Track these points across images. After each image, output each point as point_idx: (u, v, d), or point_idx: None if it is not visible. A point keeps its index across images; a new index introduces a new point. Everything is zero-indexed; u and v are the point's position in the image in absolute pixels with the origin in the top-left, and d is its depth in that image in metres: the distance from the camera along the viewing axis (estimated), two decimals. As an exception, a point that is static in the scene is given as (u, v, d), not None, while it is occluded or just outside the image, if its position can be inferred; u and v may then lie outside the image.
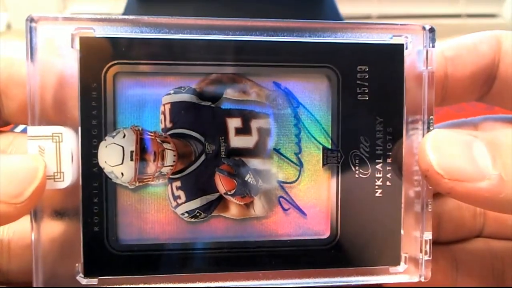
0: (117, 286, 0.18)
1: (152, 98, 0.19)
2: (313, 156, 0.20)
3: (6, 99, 0.20)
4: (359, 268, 0.20)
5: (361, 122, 0.20)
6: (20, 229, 0.20)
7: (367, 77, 0.20)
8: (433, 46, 0.20)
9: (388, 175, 0.20)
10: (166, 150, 0.19)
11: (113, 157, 0.18)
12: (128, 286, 0.18)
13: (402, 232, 0.20)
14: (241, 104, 0.20)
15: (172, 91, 0.19)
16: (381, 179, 0.20)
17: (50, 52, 0.18)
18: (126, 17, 0.18)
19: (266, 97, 0.20)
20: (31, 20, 0.19)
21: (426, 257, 0.20)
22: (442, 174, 0.17)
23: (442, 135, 0.18)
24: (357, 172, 0.20)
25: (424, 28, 0.20)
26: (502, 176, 0.16)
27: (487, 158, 0.17)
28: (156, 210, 0.19)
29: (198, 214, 0.19)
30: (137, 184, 0.18)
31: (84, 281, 0.17)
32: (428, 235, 0.20)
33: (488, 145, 0.17)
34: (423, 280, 0.20)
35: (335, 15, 0.53)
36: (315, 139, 0.20)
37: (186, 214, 0.19)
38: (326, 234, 0.20)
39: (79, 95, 0.18)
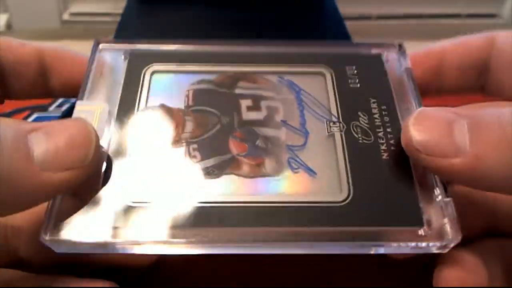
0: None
1: (179, 87, 0.23)
2: (317, 126, 0.22)
3: (12, 78, 0.22)
4: (378, 228, 0.19)
5: (357, 102, 0.23)
6: (29, 216, 0.20)
7: (356, 72, 0.24)
8: (404, 58, 0.24)
9: (392, 141, 0.21)
10: (186, 121, 0.22)
11: None
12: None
13: (418, 193, 0.20)
14: (251, 90, 0.23)
15: (195, 82, 0.23)
16: (385, 145, 0.22)
17: (105, 62, 0.24)
18: (160, 41, 0.25)
19: (272, 85, 0.24)
20: (97, 44, 0.24)
21: (452, 219, 0.19)
22: (419, 149, 0.18)
23: (426, 113, 0.19)
24: (360, 138, 0.22)
25: (394, 45, 0.25)
26: (476, 153, 0.16)
27: (466, 136, 0.17)
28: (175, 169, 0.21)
29: (211, 171, 0.21)
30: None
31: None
32: (448, 198, 0.19)
33: (469, 123, 0.17)
34: (453, 245, 0.19)
35: (335, 15, 0.53)
36: (318, 114, 0.22)
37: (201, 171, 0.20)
38: (337, 192, 0.21)
39: (123, 84, 0.22)
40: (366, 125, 0.22)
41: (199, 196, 0.20)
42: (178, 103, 0.23)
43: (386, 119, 0.22)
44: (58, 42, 0.77)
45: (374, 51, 0.25)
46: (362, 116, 0.22)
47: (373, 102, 0.23)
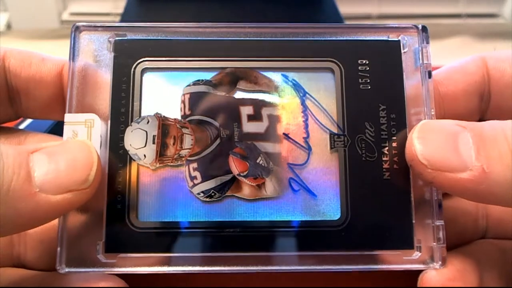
0: (131, 268, 0.18)
1: (174, 89, 0.22)
2: (320, 140, 0.22)
3: (26, 97, 0.21)
4: (371, 253, 0.19)
5: (365, 109, 0.21)
6: None
7: (368, 69, 0.21)
8: (427, 43, 0.21)
9: (395, 159, 0.21)
10: (184, 134, 0.21)
11: (137, 141, 0.20)
12: (142, 268, 0.19)
13: (413, 216, 0.20)
14: (252, 93, 0.22)
15: (191, 83, 0.22)
16: (388, 162, 0.21)
17: (88, 54, 0.21)
18: (150, 25, 0.22)
19: (275, 87, 0.22)
20: (75, 28, 0.21)
21: (441, 244, 0.20)
22: (425, 164, 0.18)
23: (430, 125, 0.19)
24: (363, 155, 0.21)
25: (417, 28, 0.22)
26: (484, 168, 0.16)
27: (471, 149, 0.17)
28: (174, 190, 0.20)
29: (213, 194, 0.20)
30: (158, 165, 0.20)
31: (104, 260, 0.18)
32: (441, 222, 0.20)
33: (474, 136, 0.17)
34: (439, 268, 0.19)
35: (335, 15, 0.53)
36: (322, 125, 0.22)
37: (202, 194, 0.20)
38: (336, 216, 0.21)
39: (111, 87, 0.20)
40: (371, 139, 0.21)
41: (200, 223, 0.19)
42: (174, 111, 0.21)
43: (393, 130, 0.21)
44: (58, 41, 0.77)
45: (392, 36, 0.22)
46: (368, 128, 0.21)
47: (383, 110, 0.21)
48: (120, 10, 0.53)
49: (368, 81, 0.21)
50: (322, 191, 0.21)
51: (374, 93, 0.21)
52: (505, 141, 0.16)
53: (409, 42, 0.21)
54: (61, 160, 0.17)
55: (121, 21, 0.49)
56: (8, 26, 0.77)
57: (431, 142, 0.18)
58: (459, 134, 0.17)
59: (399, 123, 0.21)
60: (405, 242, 0.20)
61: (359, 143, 0.21)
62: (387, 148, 0.21)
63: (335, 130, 0.21)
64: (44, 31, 0.78)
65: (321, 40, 0.21)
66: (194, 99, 0.21)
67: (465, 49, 0.81)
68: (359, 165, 0.20)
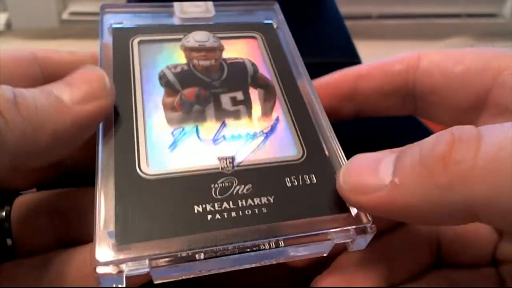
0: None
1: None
2: None
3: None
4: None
5: None
6: None
7: None
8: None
9: None
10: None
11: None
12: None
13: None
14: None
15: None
16: None
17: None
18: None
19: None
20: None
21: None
22: (347, 189, 0.18)
23: (359, 157, 0.19)
24: None
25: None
26: (395, 181, 0.16)
27: (390, 169, 0.17)
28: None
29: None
30: None
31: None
32: None
33: (397, 156, 0.17)
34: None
35: (335, 15, 0.53)
36: None
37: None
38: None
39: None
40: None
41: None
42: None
43: None
44: (58, 41, 0.77)
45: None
46: None
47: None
48: (120, 10, 0.53)
49: None
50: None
51: None
52: (418, 152, 0.16)
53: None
54: (77, 81, 0.20)
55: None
56: (8, 26, 0.77)
57: (353, 171, 0.18)
58: (383, 159, 0.17)
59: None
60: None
61: None
62: None
63: None
64: (44, 31, 0.78)
65: None
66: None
67: (465, 49, 0.81)
68: None
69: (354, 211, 0.19)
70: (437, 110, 0.23)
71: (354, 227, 0.19)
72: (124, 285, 0.17)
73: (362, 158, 0.19)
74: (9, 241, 0.21)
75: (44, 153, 0.18)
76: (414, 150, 0.17)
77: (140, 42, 0.26)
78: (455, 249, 0.22)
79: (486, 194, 0.15)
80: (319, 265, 0.21)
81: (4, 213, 0.21)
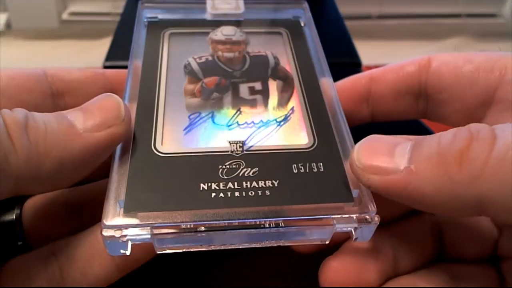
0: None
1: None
2: None
3: (72, 96, 0.24)
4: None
5: None
6: None
7: None
8: None
9: None
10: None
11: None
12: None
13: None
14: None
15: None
16: None
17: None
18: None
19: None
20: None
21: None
22: (360, 167, 0.18)
23: (373, 137, 0.19)
24: None
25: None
26: (411, 168, 0.17)
27: (406, 155, 0.17)
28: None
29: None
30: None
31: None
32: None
33: (414, 145, 0.18)
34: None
35: (335, 15, 0.53)
36: None
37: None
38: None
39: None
40: None
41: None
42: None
43: None
44: (58, 41, 0.77)
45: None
46: None
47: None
48: (120, 10, 0.53)
49: None
50: None
51: None
52: (437, 144, 0.17)
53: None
54: (93, 108, 0.19)
55: (121, 20, 0.50)
56: (8, 26, 0.77)
57: (369, 150, 0.19)
58: (399, 144, 0.18)
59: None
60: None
61: None
62: None
63: None
64: (44, 31, 0.78)
65: None
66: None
67: (464, 49, 0.81)
68: None
69: (358, 201, 0.19)
70: (446, 108, 0.24)
71: (357, 215, 0.19)
72: (129, 252, 0.18)
73: (379, 139, 0.19)
74: (19, 242, 0.22)
75: (47, 179, 0.18)
76: (432, 142, 0.17)
77: (171, 34, 0.27)
78: (457, 241, 0.23)
79: (496, 191, 0.15)
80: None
81: (14, 216, 0.22)
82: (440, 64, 0.24)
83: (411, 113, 0.25)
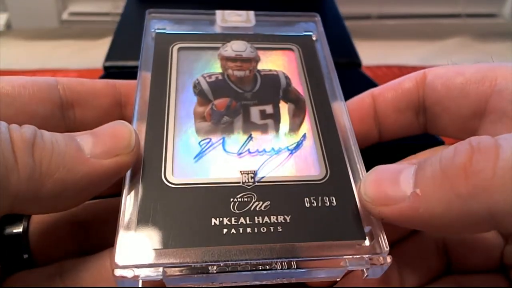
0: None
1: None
2: None
3: (82, 108, 0.24)
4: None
5: None
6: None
7: None
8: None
9: None
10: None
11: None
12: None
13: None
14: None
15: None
16: None
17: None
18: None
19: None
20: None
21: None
22: (369, 201, 0.18)
23: (380, 169, 0.19)
24: None
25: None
26: (417, 192, 0.17)
27: (411, 180, 0.17)
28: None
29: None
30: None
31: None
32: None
33: (416, 168, 0.17)
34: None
35: (335, 15, 0.53)
36: None
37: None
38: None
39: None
40: None
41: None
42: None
43: None
44: (58, 41, 0.77)
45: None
46: None
47: None
48: (120, 10, 0.53)
49: None
50: None
51: None
52: (438, 162, 0.17)
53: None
54: (104, 135, 0.19)
55: (121, 21, 0.50)
56: (8, 26, 0.77)
57: (374, 182, 0.18)
58: (403, 170, 0.18)
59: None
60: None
61: None
62: None
63: None
64: (44, 31, 0.78)
65: None
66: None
67: (464, 49, 0.81)
68: None
69: (370, 239, 0.19)
70: (442, 121, 0.24)
71: (368, 256, 0.18)
72: (140, 287, 0.18)
73: (382, 170, 0.19)
74: (25, 255, 0.21)
75: (46, 201, 0.17)
76: (434, 161, 0.17)
77: (179, 49, 0.26)
78: (463, 254, 0.23)
79: (507, 202, 0.15)
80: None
81: (21, 229, 0.22)
82: (434, 77, 0.24)
83: (413, 129, 0.25)
